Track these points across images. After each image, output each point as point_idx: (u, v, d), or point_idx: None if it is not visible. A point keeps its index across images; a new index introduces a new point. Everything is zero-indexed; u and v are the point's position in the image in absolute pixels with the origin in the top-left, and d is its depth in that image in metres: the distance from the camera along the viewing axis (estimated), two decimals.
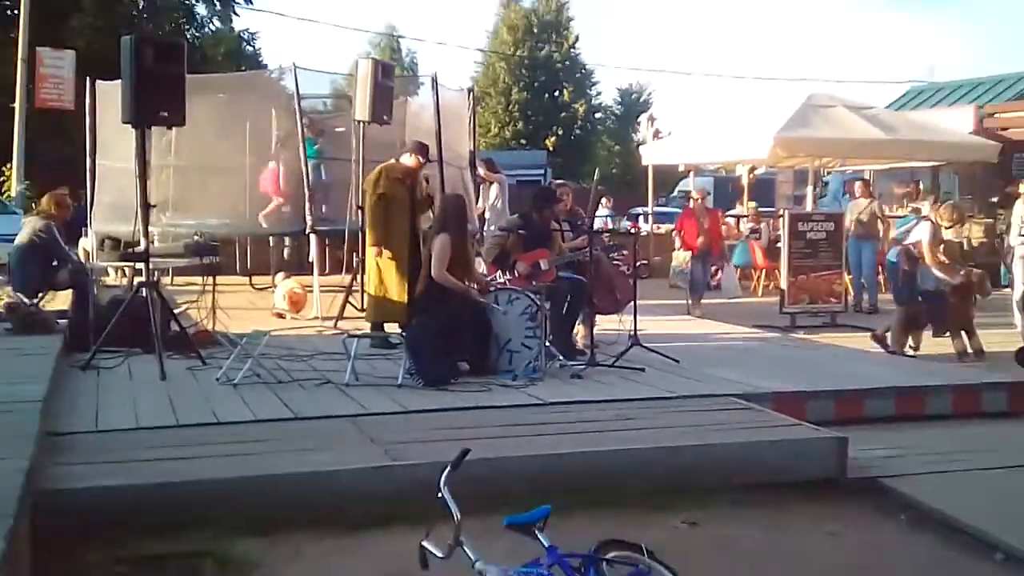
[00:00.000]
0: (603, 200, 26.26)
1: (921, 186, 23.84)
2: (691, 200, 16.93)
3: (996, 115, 23.01)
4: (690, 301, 15.36)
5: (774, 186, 29.68)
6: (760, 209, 22.71)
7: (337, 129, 15.60)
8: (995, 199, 21.72)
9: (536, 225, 10.02)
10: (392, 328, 10.00)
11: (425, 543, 4.17)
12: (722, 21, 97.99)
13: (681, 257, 16.84)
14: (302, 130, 14.06)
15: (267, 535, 5.22)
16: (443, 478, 4.28)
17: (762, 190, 28.44)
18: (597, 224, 20.06)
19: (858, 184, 17.56)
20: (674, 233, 17.91)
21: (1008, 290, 16.15)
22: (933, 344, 12.22)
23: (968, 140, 20.80)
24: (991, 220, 21.49)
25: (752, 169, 24.35)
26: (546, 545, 4.32)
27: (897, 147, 19.18)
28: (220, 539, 5.08)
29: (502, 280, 9.57)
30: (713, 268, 17.20)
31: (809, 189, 19.80)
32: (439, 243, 8.80)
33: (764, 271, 18.79)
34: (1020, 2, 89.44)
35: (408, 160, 10.29)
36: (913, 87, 29.87)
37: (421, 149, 10.43)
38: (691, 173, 26.93)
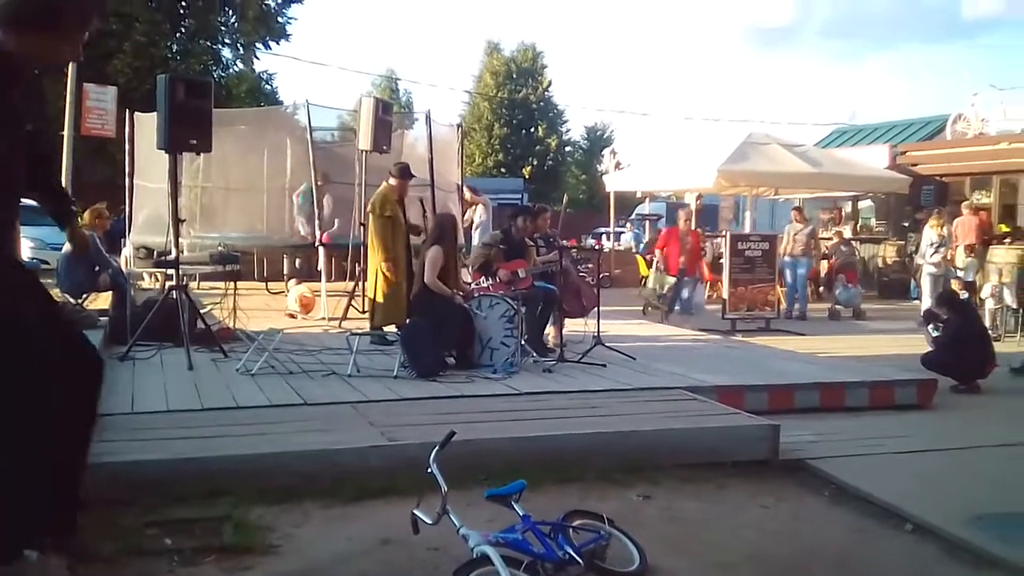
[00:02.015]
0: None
1: (843, 212, 24.01)
2: (682, 221, 15.63)
3: (907, 153, 23.17)
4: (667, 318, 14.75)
5: (718, 211, 29.72)
6: (706, 231, 22.78)
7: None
8: (906, 224, 21.87)
9: (515, 240, 10.06)
10: (388, 328, 9.97)
11: (416, 511, 4.16)
12: (675, 70, 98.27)
13: (663, 281, 15.39)
14: (313, 158, 14.05)
15: (280, 503, 5.18)
16: (432, 456, 4.27)
17: (708, 215, 28.50)
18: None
19: (794, 212, 17.62)
20: (653, 254, 16.48)
21: (916, 302, 16.30)
22: (854, 345, 12.30)
23: (883, 174, 20.95)
24: (902, 242, 21.62)
25: (699, 196, 24.40)
26: (521, 514, 4.32)
27: (823, 179, 19.30)
28: (239, 506, 5.04)
29: (486, 285, 9.57)
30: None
31: (747, 214, 19.86)
32: (432, 254, 8.80)
33: (709, 283, 18.82)
34: (927, 59, 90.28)
35: (393, 182, 10.30)
36: (837, 128, 30.05)
37: (403, 171, 10.44)
38: (647, 199, 27.00)
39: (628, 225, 19.71)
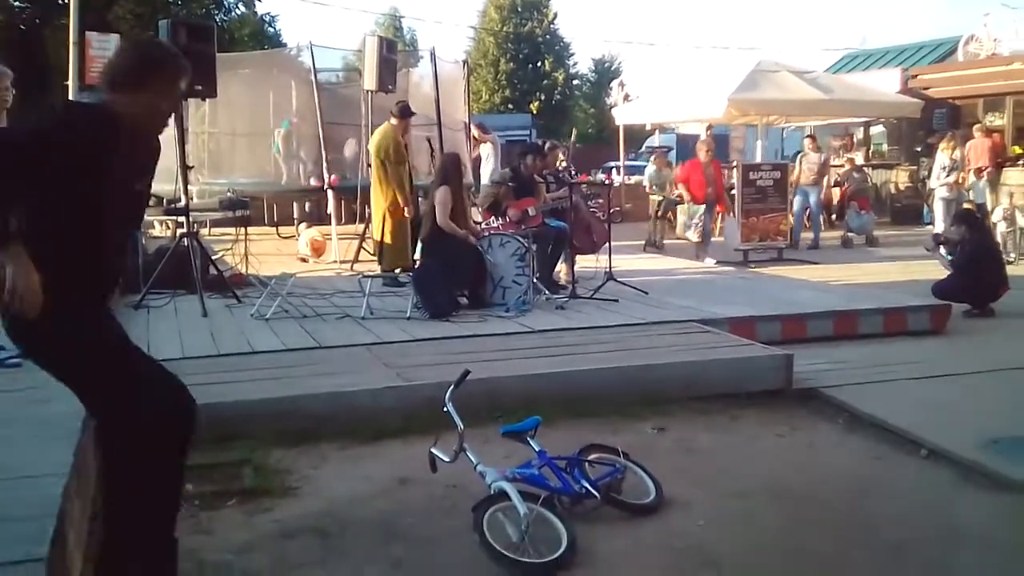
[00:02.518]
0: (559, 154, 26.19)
1: (855, 139, 23.79)
2: (703, 153, 14.77)
3: (919, 77, 22.88)
4: (698, 251, 14.17)
5: (728, 141, 29.49)
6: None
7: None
8: (918, 149, 21.68)
9: (524, 177, 10.02)
10: (398, 269, 9.99)
11: (434, 450, 4.21)
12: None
13: (693, 210, 14.56)
14: (318, 99, 13.97)
15: (297, 446, 5.25)
16: (448, 395, 4.32)
17: (718, 145, 28.28)
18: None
19: (807, 140, 17.43)
20: (677, 185, 15.45)
21: (930, 227, 16.22)
22: (867, 273, 12.27)
23: (895, 99, 20.70)
24: (915, 167, 21.46)
25: (709, 127, 24.23)
26: (537, 450, 4.37)
27: (834, 106, 19.08)
28: (257, 449, 5.12)
29: (496, 224, 9.56)
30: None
31: (759, 143, 19.70)
32: (441, 195, 8.78)
33: (720, 214, 18.72)
34: None
35: (395, 122, 10.28)
36: (847, 53, 29.64)
37: (403, 110, 10.41)
38: (656, 132, 26.80)
39: (654, 158, 19.44)
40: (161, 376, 3.65)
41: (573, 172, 10.71)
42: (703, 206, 14.26)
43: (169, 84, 3.47)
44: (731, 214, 14.85)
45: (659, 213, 16.46)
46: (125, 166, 3.37)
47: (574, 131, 15.06)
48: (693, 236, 14.39)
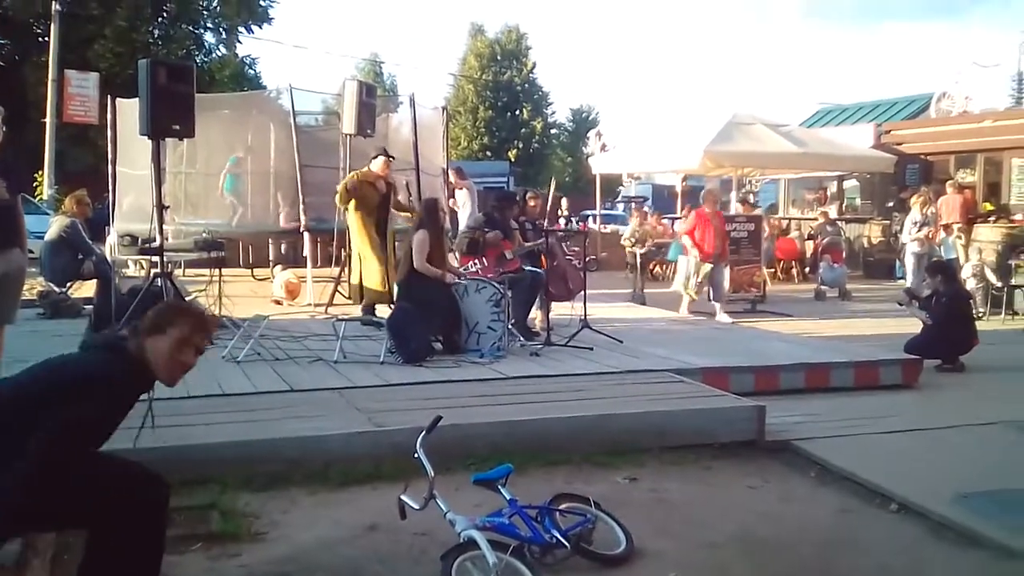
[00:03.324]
0: (563, 201, 26.47)
1: (828, 192, 24.05)
2: (707, 203, 13.88)
3: (892, 132, 23.19)
4: (718, 307, 13.23)
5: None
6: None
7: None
8: (891, 204, 21.91)
9: (498, 222, 10.06)
10: (382, 312, 10.04)
11: (403, 497, 4.17)
12: (660, 51, 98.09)
13: (701, 268, 13.27)
14: (297, 142, 13.97)
15: (266, 490, 5.20)
16: (419, 441, 4.28)
17: (694, 196, 28.50)
18: (560, 223, 20.02)
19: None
20: (682, 239, 14.25)
21: (902, 281, 16.35)
22: (840, 326, 12.33)
23: (868, 153, 21.00)
24: (887, 222, 21.68)
25: (685, 177, 24.42)
26: (508, 498, 4.33)
27: (808, 160, 19.35)
28: (225, 493, 5.05)
29: (474, 270, 9.57)
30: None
31: (733, 195, 19.85)
32: (418, 238, 8.80)
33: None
34: (909, 36, 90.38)
35: (375, 165, 10.42)
36: (822, 107, 30.03)
37: (384, 152, 10.60)
38: (632, 181, 27.00)
39: (633, 211, 19.48)
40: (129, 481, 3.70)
41: (545, 223, 10.74)
42: (709, 264, 13.26)
43: (189, 337, 3.70)
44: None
45: (639, 266, 16.31)
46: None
47: (553, 181, 15.02)
48: (692, 293, 13.37)
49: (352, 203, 10.48)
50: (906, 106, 26.46)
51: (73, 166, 25.47)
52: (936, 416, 7.43)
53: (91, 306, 10.28)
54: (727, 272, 13.83)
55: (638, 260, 16.09)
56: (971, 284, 14.32)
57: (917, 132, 23.04)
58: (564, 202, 26.86)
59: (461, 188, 15.61)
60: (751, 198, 17.68)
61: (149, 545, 3.59)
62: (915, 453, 6.31)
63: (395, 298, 9.42)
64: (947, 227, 16.73)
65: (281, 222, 15.12)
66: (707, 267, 13.29)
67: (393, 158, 10.84)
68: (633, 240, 17.29)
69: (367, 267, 10.46)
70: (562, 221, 23.92)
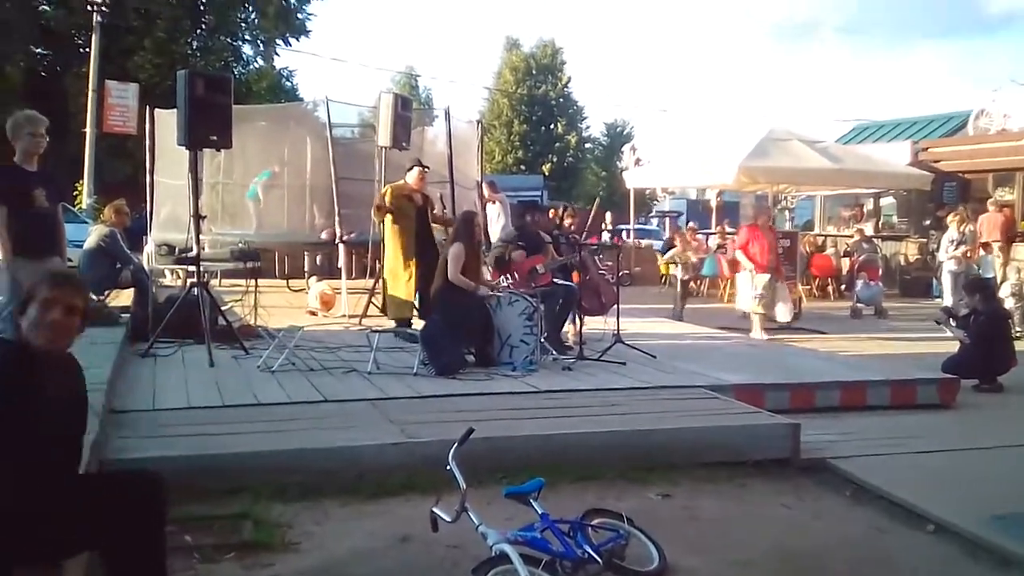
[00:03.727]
0: (607, 215, 26.59)
1: (864, 209, 23.90)
2: (760, 217, 13.66)
3: (929, 150, 23.05)
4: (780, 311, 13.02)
5: (739, 208, 29.65)
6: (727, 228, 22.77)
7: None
8: (927, 222, 21.75)
9: (531, 235, 10.07)
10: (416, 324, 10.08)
11: (435, 509, 4.16)
12: (695, 66, 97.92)
13: (757, 280, 12.93)
14: (333, 154, 14.07)
15: (299, 500, 5.21)
16: (451, 453, 4.28)
17: (729, 211, 28.47)
18: (606, 236, 19.95)
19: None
20: (736, 254, 13.87)
21: (939, 300, 16.19)
22: (876, 344, 12.23)
23: (905, 171, 20.85)
24: (924, 240, 21.51)
25: (719, 193, 24.36)
26: (540, 512, 4.32)
27: (844, 176, 19.23)
28: (258, 503, 5.07)
29: (505, 284, 9.58)
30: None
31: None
32: (454, 251, 8.82)
33: (730, 280, 18.73)
34: (946, 55, 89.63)
35: (411, 177, 10.46)
36: (858, 124, 29.88)
37: (419, 163, 10.67)
38: (666, 196, 26.97)
39: (673, 234, 19.50)
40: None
41: (583, 235, 10.75)
42: (767, 275, 12.94)
43: None
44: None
45: (679, 288, 16.20)
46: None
47: (597, 200, 15.00)
48: (758, 308, 12.92)
49: (388, 216, 10.51)
50: (943, 123, 26.27)
51: (112, 176, 25.77)
52: (973, 436, 7.35)
53: (128, 315, 10.38)
54: (783, 289, 13.47)
55: (679, 282, 15.94)
56: (1010, 303, 14.17)
57: (955, 150, 22.88)
58: (608, 216, 26.99)
59: (493, 202, 15.63)
60: (786, 215, 17.57)
61: (151, 550, 3.61)
62: (951, 473, 6.23)
63: (427, 310, 9.44)
64: (986, 245, 16.57)
65: (319, 234, 15.21)
66: (765, 278, 12.92)
67: (428, 168, 10.87)
68: (677, 262, 17.19)
69: (394, 280, 10.51)
70: (606, 235, 23.97)
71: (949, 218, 15.97)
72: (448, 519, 4.13)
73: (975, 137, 23.39)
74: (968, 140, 23.42)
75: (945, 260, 15.73)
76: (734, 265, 14.96)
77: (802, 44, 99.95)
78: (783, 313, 12.66)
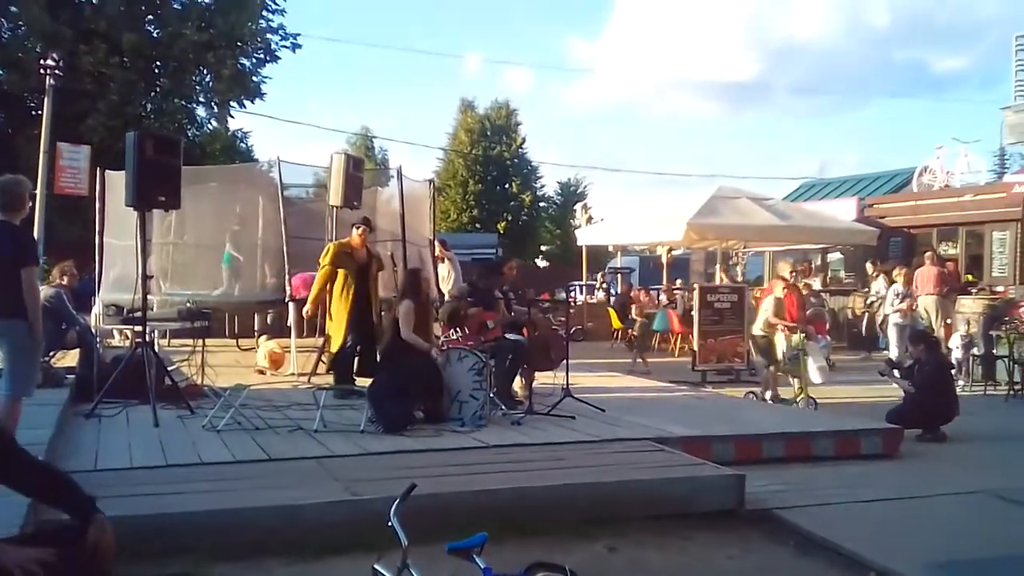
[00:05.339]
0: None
1: (812, 265, 24.20)
2: (779, 288, 12.48)
3: (875, 206, 23.46)
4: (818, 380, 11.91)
5: (689, 264, 29.94)
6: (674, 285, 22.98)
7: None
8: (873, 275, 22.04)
9: (482, 292, 10.11)
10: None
11: (377, 566, 4.11)
12: (647, 127, 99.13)
13: (795, 339, 11.80)
14: (284, 215, 14.04)
15: (241, 560, 5.13)
16: (392, 509, 4.23)
17: (679, 267, 28.74)
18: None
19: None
20: (762, 311, 12.54)
21: (886, 352, 16.38)
22: (823, 395, 12.31)
23: (851, 226, 21.20)
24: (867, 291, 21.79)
25: (670, 250, 24.59)
26: (482, 567, 4.27)
27: (792, 232, 19.51)
28: (201, 563, 4.99)
29: (455, 338, 9.57)
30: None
31: (717, 267, 19.99)
32: (403, 309, 8.82)
33: (680, 335, 18.85)
34: (892, 116, 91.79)
35: (353, 234, 10.48)
36: (805, 182, 30.41)
37: (361, 222, 10.64)
38: (619, 253, 27.16)
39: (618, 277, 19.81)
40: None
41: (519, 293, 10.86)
42: (801, 335, 11.97)
43: None
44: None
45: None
46: None
47: (541, 257, 15.14)
48: (816, 377, 11.82)
49: (328, 274, 10.50)
50: (888, 180, 26.82)
51: (63, 237, 25.49)
52: (916, 485, 7.40)
53: (73, 376, 10.23)
54: (815, 347, 12.54)
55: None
56: (957, 355, 14.37)
57: (899, 206, 23.31)
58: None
59: (443, 260, 15.67)
60: (738, 271, 17.78)
61: None
62: (895, 522, 6.27)
63: (369, 366, 9.45)
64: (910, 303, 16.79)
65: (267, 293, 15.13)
66: (798, 337, 11.90)
67: (371, 229, 10.88)
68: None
69: (336, 337, 10.47)
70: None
71: (894, 272, 16.21)
72: None
73: (919, 193, 23.87)
74: (912, 196, 23.89)
75: (890, 314, 15.94)
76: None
77: (752, 105, 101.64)
78: (816, 375, 11.82)
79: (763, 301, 12.85)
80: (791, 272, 12.90)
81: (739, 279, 19.42)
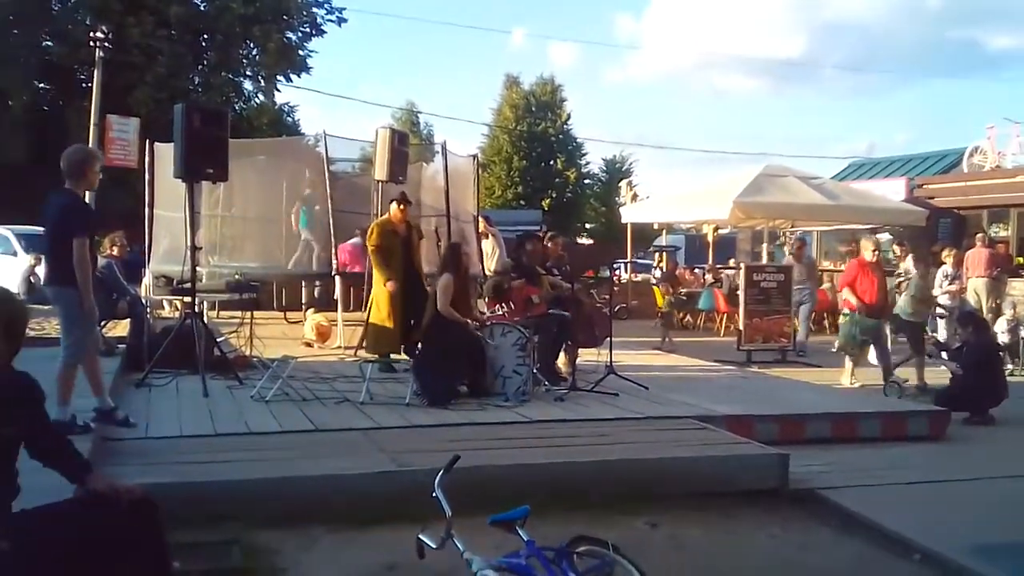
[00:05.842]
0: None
1: (905, 244, 23.96)
2: (869, 252, 12.01)
3: (924, 186, 23.15)
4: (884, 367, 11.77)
5: (735, 243, 29.74)
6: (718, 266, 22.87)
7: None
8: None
9: (526, 267, 10.12)
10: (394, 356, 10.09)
11: (421, 536, 4.17)
12: (693, 104, 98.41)
13: (863, 325, 11.56)
14: (330, 188, 14.14)
15: (287, 527, 5.22)
16: (437, 480, 4.28)
17: (725, 246, 28.57)
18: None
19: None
20: (842, 292, 12.29)
21: (933, 334, 16.18)
22: (868, 377, 12.22)
23: (900, 207, 20.94)
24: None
25: (716, 228, 24.44)
26: (525, 539, 4.32)
27: (840, 212, 19.29)
28: (247, 530, 5.09)
29: (500, 313, 9.61)
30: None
31: (764, 246, 19.85)
32: (442, 283, 8.87)
33: (726, 314, 18.77)
34: (942, 95, 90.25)
35: (392, 210, 10.46)
36: (854, 161, 30.05)
37: (399, 197, 10.61)
38: (664, 231, 27.04)
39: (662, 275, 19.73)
40: None
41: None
42: (876, 320, 11.69)
43: None
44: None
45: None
46: None
47: (586, 235, 15.13)
48: (875, 360, 11.76)
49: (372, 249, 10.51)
50: (938, 160, 26.45)
51: (112, 209, 25.83)
52: (962, 468, 7.37)
53: (124, 345, 10.40)
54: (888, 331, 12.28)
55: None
56: (1004, 339, 14.18)
57: (949, 186, 22.98)
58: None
59: (487, 236, 15.69)
60: (784, 251, 17.61)
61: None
62: (939, 504, 6.24)
63: (414, 340, 9.48)
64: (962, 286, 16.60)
65: (314, 266, 15.25)
66: (871, 323, 11.63)
67: (410, 203, 10.86)
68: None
69: (376, 311, 10.47)
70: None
71: (944, 254, 16.03)
72: (434, 546, 4.13)
73: (969, 174, 23.52)
74: (962, 177, 23.55)
75: (939, 295, 15.77)
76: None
77: (801, 82, 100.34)
78: (875, 358, 11.73)
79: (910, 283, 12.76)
80: (874, 251, 12.10)
81: (786, 259, 19.29)
